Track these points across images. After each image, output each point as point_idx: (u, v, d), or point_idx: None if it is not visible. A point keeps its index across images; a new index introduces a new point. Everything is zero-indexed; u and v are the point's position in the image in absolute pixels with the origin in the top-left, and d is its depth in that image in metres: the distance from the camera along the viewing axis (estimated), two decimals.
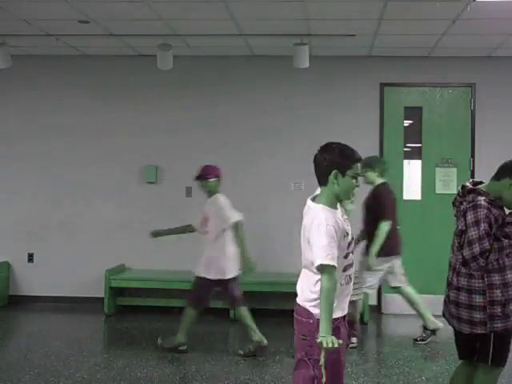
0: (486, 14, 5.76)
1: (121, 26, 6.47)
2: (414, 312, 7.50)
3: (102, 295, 7.14)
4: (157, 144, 7.71)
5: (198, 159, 7.71)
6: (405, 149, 7.59)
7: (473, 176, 7.38)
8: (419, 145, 7.59)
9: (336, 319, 2.99)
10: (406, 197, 7.54)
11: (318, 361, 2.89)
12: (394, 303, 7.49)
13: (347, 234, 3.04)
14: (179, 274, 7.40)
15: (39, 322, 7.03)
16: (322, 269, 2.88)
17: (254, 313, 7.27)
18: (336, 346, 2.76)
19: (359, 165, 3.08)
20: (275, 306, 7.38)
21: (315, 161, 3.09)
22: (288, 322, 7.24)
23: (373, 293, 6.66)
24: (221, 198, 5.93)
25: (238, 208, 7.61)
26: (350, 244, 3.06)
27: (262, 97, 7.64)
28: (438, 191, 7.50)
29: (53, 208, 7.74)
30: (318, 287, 2.95)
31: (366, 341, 6.63)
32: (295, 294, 3.14)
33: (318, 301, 2.93)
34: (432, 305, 7.42)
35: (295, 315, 3.13)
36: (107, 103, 7.77)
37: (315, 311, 2.96)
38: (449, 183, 7.46)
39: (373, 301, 7.28)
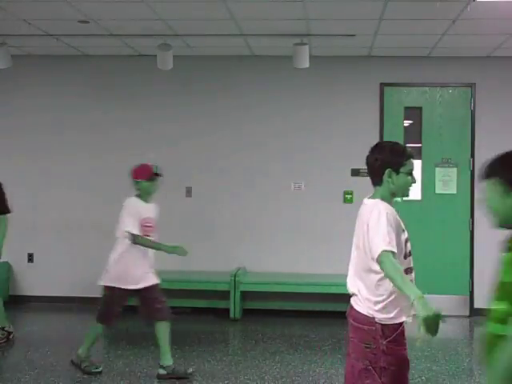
0: (486, 14, 5.75)
1: (121, 26, 6.47)
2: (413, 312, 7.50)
3: None
4: (157, 144, 7.70)
5: (198, 159, 7.73)
6: None
7: (473, 176, 7.38)
8: (419, 145, 7.58)
9: (401, 324, 2.92)
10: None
11: (384, 368, 2.83)
12: None
13: (403, 230, 2.98)
14: (179, 273, 7.41)
15: (39, 322, 7.03)
16: (382, 255, 2.75)
17: (254, 313, 7.28)
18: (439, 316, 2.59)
19: (412, 160, 3.04)
20: (275, 306, 7.37)
21: (367, 162, 3.06)
22: (288, 323, 7.25)
23: None
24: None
25: (237, 208, 7.64)
26: (406, 242, 2.98)
27: (262, 97, 7.63)
28: (437, 191, 7.50)
29: (53, 208, 7.74)
30: (380, 290, 2.89)
31: None
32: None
33: (382, 304, 2.88)
34: (432, 304, 7.43)
35: (353, 322, 3.02)
36: (107, 103, 7.77)
37: (379, 316, 2.88)
38: (449, 183, 7.46)
39: None
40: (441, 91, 7.54)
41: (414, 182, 3.05)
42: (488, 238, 7.37)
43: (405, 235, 2.99)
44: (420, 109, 7.57)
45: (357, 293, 3.03)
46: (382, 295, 2.88)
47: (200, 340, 6.21)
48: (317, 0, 5.48)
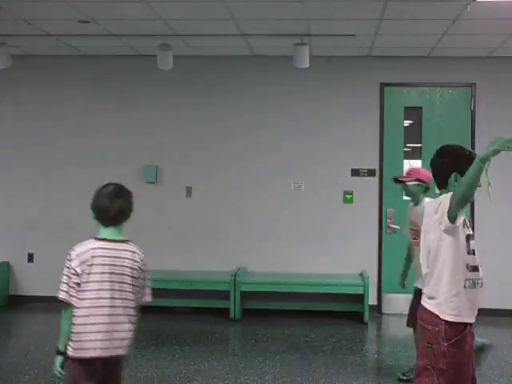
0: (485, 14, 5.75)
1: (121, 26, 6.47)
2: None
3: None
4: (157, 144, 7.71)
5: (198, 159, 7.73)
6: (405, 149, 7.59)
7: None
8: (419, 145, 7.59)
9: (465, 325, 2.93)
10: (406, 197, 7.53)
11: (443, 370, 2.86)
12: (394, 303, 7.50)
13: (468, 226, 3.01)
14: (179, 273, 7.41)
15: (39, 322, 7.03)
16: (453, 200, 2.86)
17: (254, 313, 7.29)
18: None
19: None
20: (275, 306, 7.37)
21: (432, 165, 3.11)
22: (288, 323, 7.24)
23: None
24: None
25: (237, 208, 7.64)
26: (469, 239, 2.98)
27: (262, 97, 7.64)
28: (438, 191, 7.48)
29: (53, 208, 7.74)
30: (444, 288, 2.92)
31: (366, 341, 6.63)
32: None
33: (444, 296, 2.91)
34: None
35: (420, 321, 3.05)
36: (107, 103, 7.77)
37: (444, 310, 2.91)
38: None
39: (373, 301, 7.28)
40: (441, 91, 7.54)
41: (479, 186, 3.04)
42: (488, 237, 7.40)
43: (468, 231, 3.01)
44: (420, 109, 7.57)
45: (424, 290, 3.07)
46: (446, 287, 2.92)
47: (200, 340, 6.21)
48: (317, 0, 5.48)
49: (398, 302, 7.50)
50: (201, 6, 5.71)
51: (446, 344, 2.88)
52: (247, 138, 7.65)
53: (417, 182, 5.16)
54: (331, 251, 7.48)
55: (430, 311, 2.97)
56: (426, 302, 3.03)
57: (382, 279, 7.50)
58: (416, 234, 5.12)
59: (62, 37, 6.85)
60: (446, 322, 2.91)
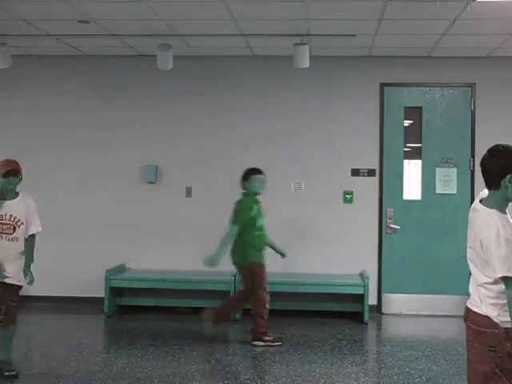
0: (486, 14, 5.75)
1: (121, 26, 6.47)
2: (413, 312, 7.54)
3: (102, 295, 7.13)
4: (157, 144, 7.71)
5: (198, 159, 7.73)
6: (405, 149, 7.59)
7: (473, 176, 7.37)
8: (419, 145, 7.58)
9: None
10: (405, 197, 7.54)
11: (511, 370, 2.82)
12: (394, 303, 7.50)
13: None
14: (179, 273, 7.41)
15: (39, 322, 7.03)
16: (506, 281, 2.76)
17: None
18: None
19: None
20: (275, 306, 7.35)
21: (483, 165, 2.94)
22: (288, 323, 7.22)
23: None
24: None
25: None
26: None
27: (262, 97, 7.63)
28: (437, 191, 7.49)
29: (53, 208, 7.73)
30: (500, 297, 2.85)
31: (366, 341, 6.63)
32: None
33: (499, 306, 2.84)
34: (432, 304, 7.44)
35: (473, 326, 2.95)
36: (107, 103, 7.77)
37: (500, 319, 2.84)
38: (449, 183, 7.46)
39: (373, 301, 7.27)
40: (441, 91, 7.54)
41: None
42: None
43: None
44: (420, 109, 7.57)
45: (474, 294, 2.99)
46: (498, 297, 2.85)
47: (200, 340, 6.21)
48: (317, 0, 5.48)
49: (398, 302, 7.51)
50: (201, 6, 5.71)
51: (509, 344, 2.83)
52: (247, 138, 7.65)
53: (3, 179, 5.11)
54: (331, 251, 7.47)
55: (483, 315, 2.89)
56: (475, 306, 2.95)
57: (381, 279, 7.50)
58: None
59: (62, 37, 6.85)
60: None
